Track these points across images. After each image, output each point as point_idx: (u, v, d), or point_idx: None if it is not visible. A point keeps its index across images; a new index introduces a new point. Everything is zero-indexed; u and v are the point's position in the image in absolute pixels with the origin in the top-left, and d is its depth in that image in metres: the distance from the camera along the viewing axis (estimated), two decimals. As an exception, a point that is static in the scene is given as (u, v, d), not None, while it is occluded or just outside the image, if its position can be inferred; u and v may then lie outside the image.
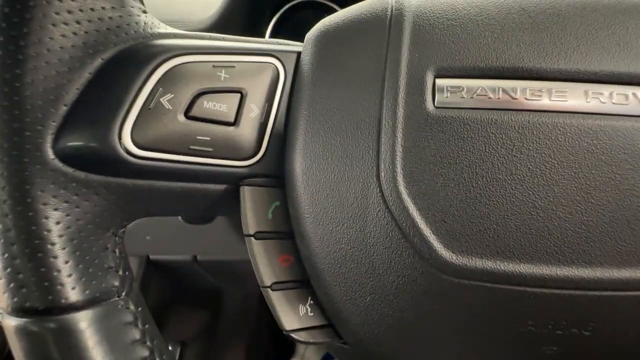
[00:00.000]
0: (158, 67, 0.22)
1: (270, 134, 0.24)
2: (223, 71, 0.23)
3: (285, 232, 0.24)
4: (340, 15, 0.25)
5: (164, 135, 0.22)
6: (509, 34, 0.22)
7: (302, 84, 0.24)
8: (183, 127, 0.22)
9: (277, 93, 0.24)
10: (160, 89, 0.21)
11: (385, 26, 0.23)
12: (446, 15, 0.23)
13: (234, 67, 0.23)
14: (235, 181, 0.24)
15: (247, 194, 0.24)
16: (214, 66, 0.23)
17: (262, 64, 0.24)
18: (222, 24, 0.66)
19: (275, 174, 0.24)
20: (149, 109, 0.21)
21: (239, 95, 0.23)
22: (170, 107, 0.22)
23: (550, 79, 0.21)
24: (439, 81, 0.22)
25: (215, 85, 0.23)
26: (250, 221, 0.24)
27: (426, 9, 0.23)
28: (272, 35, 0.69)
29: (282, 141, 0.24)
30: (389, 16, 0.23)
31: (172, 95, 0.22)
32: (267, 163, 0.24)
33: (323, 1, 0.69)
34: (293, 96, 0.24)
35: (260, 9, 0.72)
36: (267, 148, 0.24)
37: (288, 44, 0.26)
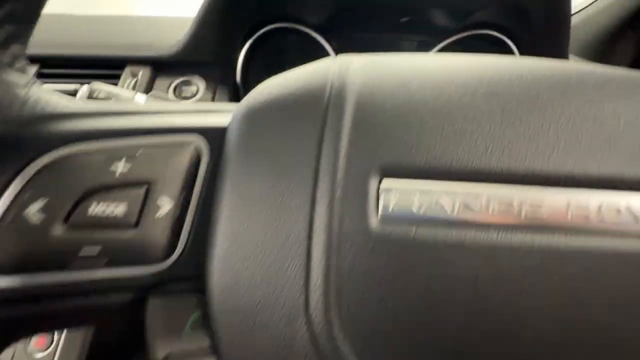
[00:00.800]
0: (26, 166, 0.17)
1: (190, 230, 0.19)
2: (123, 160, 0.18)
3: (209, 348, 0.20)
4: (275, 84, 0.21)
5: (34, 253, 0.17)
6: (473, 126, 0.17)
7: (224, 172, 0.19)
8: (62, 240, 0.17)
9: (198, 178, 0.20)
10: (28, 194, 0.17)
11: (321, 108, 0.18)
12: (397, 98, 0.18)
13: (139, 153, 0.19)
14: (140, 291, 0.19)
15: (156, 307, 0.19)
16: (109, 156, 0.18)
17: (178, 145, 0.20)
18: (192, 49, 0.62)
19: (197, 275, 0.19)
20: (10, 223, 0.17)
21: (144, 188, 0.19)
22: (42, 218, 0.17)
23: (522, 183, 0.17)
24: (385, 183, 0.17)
25: (109, 180, 0.18)
26: (161, 342, 0.19)
27: (373, 88, 0.19)
28: (246, 59, 0.65)
29: (204, 237, 0.19)
30: (327, 96, 0.19)
31: (46, 201, 0.17)
32: (186, 264, 0.19)
33: (295, 27, 0.65)
34: (215, 183, 0.20)
35: (231, 33, 0.68)
36: (185, 246, 0.19)
37: (220, 111, 0.21)
